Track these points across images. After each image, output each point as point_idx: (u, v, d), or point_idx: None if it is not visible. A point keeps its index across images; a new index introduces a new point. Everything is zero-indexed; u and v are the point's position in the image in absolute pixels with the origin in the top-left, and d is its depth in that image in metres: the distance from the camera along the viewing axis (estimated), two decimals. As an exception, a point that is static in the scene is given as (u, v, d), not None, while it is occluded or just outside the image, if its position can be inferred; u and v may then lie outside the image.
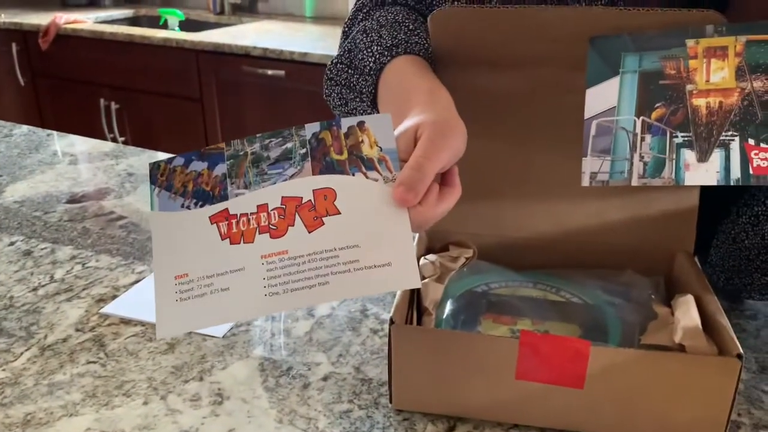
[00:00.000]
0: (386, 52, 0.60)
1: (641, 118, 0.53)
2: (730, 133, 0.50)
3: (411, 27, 0.64)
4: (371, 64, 0.61)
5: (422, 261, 0.61)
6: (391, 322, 0.51)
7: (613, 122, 0.53)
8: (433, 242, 0.65)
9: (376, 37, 0.62)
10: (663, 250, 0.63)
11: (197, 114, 2.45)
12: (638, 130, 0.52)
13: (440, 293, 0.57)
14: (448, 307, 0.59)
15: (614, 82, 0.54)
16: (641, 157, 0.52)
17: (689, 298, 0.55)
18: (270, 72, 2.21)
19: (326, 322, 0.66)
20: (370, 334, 0.64)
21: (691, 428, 0.50)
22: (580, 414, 0.51)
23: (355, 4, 0.77)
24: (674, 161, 0.51)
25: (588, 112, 0.54)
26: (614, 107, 0.53)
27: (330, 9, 2.73)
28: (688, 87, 0.52)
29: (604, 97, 0.54)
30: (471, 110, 0.60)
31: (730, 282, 0.67)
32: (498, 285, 0.63)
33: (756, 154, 0.49)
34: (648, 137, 0.52)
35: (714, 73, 0.52)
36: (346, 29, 0.76)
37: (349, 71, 0.65)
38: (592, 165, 0.53)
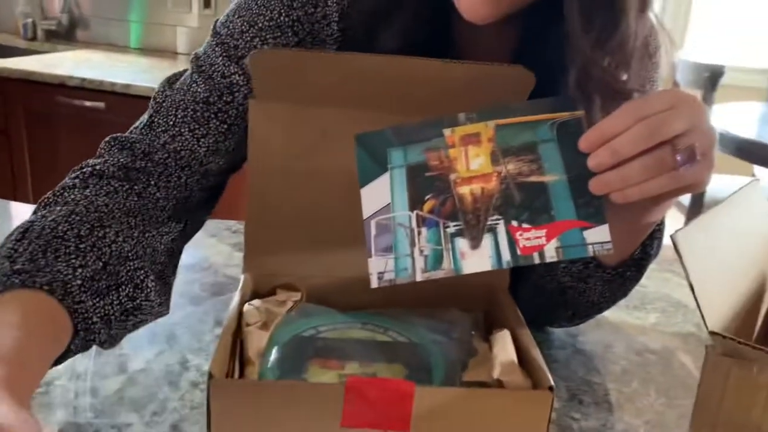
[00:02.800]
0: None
1: (415, 212, 0.52)
2: (494, 217, 0.51)
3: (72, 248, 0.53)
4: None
5: (246, 307, 0.58)
6: (210, 375, 0.47)
7: (390, 219, 0.52)
8: (259, 286, 0.62)
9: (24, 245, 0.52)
10: (481, 287, 0.65)
11: (2, 147, 2.21)
12: (414, 224, 0.52)
13: (264, 341, 0.55)
14: (274, 354, 0.56)
15: (385, 178, 0.54)
16: (421, 252, 0.51)
17: (506, 333, 0.58)
18: (88, 103, 2.06)
19: (140, 378, 0.61)
20: (190, 388, 0.60)
21: None
22: None
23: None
24: (450, 251, 0.51)
25: (366, 212, 0.53)
26: (389, 204, 0.53)
27: (157, 41, 2.62)
28: (452, 176, 0.53)
29: (378, 195, 0.53)
30: (296, 148, 0.60)
31: (539, 317, 0.71)
32: (326, 328, 0.61)
33: (520, 235, 0.51)
34: (424, 230, 0.52)
35: (473, 160, 0.53)
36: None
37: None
38: (377, 265, 0.52)
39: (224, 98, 0.63)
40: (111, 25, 2.66)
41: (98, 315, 0.53)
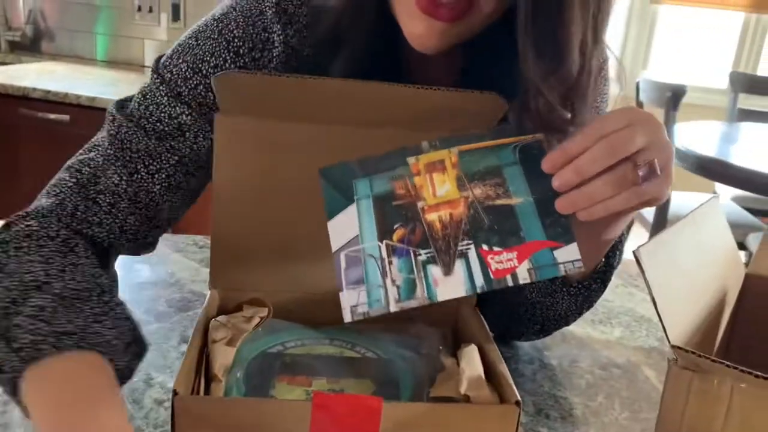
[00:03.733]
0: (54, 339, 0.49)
1: (384, 242, 0.52)
2: (465, 242, 0.51)
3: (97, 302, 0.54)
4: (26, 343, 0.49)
5: (212, 323, 0.58)
6: (174, 392, 0.46)
7: (360, 251, 0.52)
8: (226, 302, 0.62)
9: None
10: (449, 303, 0.65)
11: (-38, 159, 2.16)
12: (384, 254, 0.52)
13: (231, 357, 0.54)
14: (240, 371, 0.56)
15: (352, 210, 0.53)
16: (393, 282, 0.51)
17: (473, 348, 0.58)
18: (52, 116, 2.03)
19: (102, 396, 0.59)
20: (154, 406, 0.59)
21: None
22: None
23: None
24: (423, 279, 0.51)
25: (334, 245, 0.52)
26: (357, 235, 0.52)
27: (125, 53, 2.59)
28: (419, 204, 0.53)
29: (345, 227, 0.53)
30: (261, 163, 0.60)
31: (507, 332, 0.72)
32: (294, 344, 0.61)
33: (492, 258, 0.51)
34: (395, 260, 0.51)
35: (439, 187, 0.53)
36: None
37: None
38: (349, 298, 0.51)
39: (174, 137, 0.63)
40: (77, 37, 2.62)
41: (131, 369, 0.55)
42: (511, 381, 0.52)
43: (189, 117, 0.62)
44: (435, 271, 0.51)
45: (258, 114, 0.58)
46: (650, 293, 0.48)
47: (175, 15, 2.48)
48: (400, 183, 0.54)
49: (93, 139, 0.65)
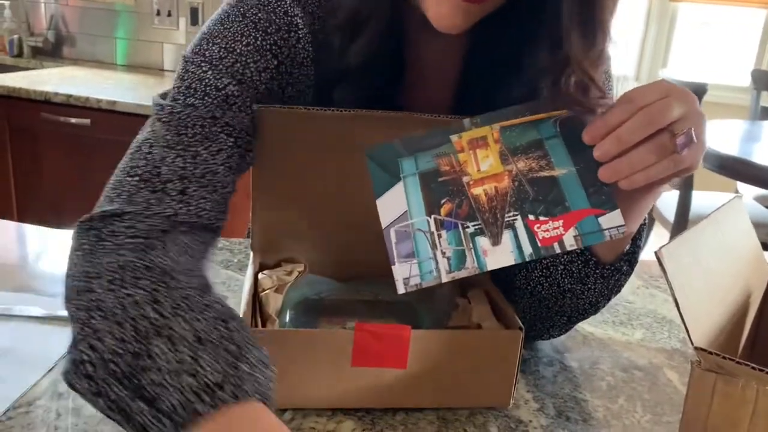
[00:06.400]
0: (205, 392, 0.42)
1: (432, 216, 0.54)
2: (511, 213, 0.53)
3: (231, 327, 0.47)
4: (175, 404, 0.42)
5: (260, 276, 0.67)
6: None
7: (409, 226, 0.54)
8: (266, 260, 0.70)
9: (188, 354, 0.44)
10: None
11: (-14, 164, 2.20)
12: (433, 228, 0.54)
13: (280, 302, 0.64)
14: (288, 314, 0.65)
15: (399, 187, 0.55)
16: (443, 254, 0.53)
17: (480, 291, 0.69)
18: (73, 120, 2.05)
19: (123, 397, 0.60)
20: (174, 407, 0.59)
21: (487, 391, 0.62)
22: (404, 392, 0.60)
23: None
24: (473, 250, 0.53)
25: (384, 221, 0.54)
26: (406, 211, 0.54)
27: (144, 57, 2.62)
28: (464, 179, 0.55)
29: (394, 204, 0.55)
30: (301, 153, 0.65)
31: (533, 329, 0.71)
32: (328, 293, 0.71)
33: (539, 228, 0.53)
34: (444, 233, 0.53)
35: (482, 162, 0.55)
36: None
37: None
38: (401, 271, 0.53)
39: (224, 111, 0.60)
40: (97, 42, 2.65)
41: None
42: (514, 313, 0.63)
43: (235, 88, 0.61)
44: (483, 242, 0.53)
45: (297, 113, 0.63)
46: (672, 294, 0.47)
47: (194, 19, 2.50)
48: (445, 160, 0.56)
49: (137, 139, 0.61)
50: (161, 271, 0.51)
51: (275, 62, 0.63)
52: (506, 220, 0.53)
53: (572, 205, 0.53)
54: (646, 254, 0.67)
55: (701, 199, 2.28)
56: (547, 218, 0.53)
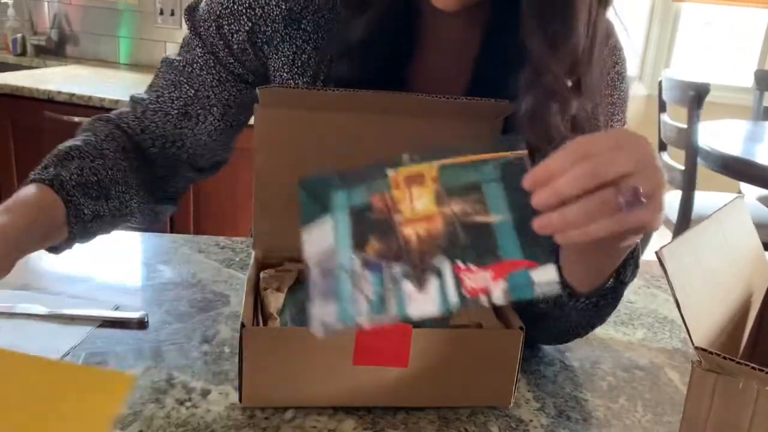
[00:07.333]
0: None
1: (358, 254, 0.51)
2: (440, 258, 0.50)
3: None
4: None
5: (262, 274, 0.68)
6: (242, 325, 0.57)
7: (333, 263, 0.50)
8: (268, 259, 0.71)
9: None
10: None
11: (-11, 162, 2.20)
12: (358, 267, 0.50)
13: (281, 301, 0.65)
14: (289, 312, 0.65)
15: (328, 221, 0.52)
16: (365, 296, 0.49)
17: None
18: (77, 119, 2.06)
19: (125, 395, 0.60)
20: (176, 405, 0.59)
21: (488, 390, 0.62)
22: (405, 390, 0.61)
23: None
24: (396, 294, 0.49)
25: (307, 253, 0.51)
26: (332, 247, 0.51)
27: (147, 56, 2.62)
28: (396, 217, 0.51)
29: (320, 238, 0.52)
30: (298, 151, 0.67)
31: (529, 334, 0.71)
32: None
33: (466, 276, 0.49)
34: (368, 274, 0.50)
35: (417, 201, 0.51)
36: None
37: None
38: (320, 312, 0.49)
39: (190, 68, 0.77)
40: (100, 41, 2.66)
41: (89, 209, 0.65)
42: (514, 313, 0.63)
43: (200, 50, 0.75)
44: (409, 286, 0.49)
45: (296, 105, 0.65)
46: (673, 294, 0.47)
47: (197, 18, 2.50)
48: (379, 196, 0.52)
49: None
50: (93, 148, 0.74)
51: (249, 24, 0.72)
52: (434, 265, 0.50)
53: (504, 255, 0.49)
54: (648, 254, 0.67)
55: (704, 200, 2.28)
56: (476, 267, 0.49)
